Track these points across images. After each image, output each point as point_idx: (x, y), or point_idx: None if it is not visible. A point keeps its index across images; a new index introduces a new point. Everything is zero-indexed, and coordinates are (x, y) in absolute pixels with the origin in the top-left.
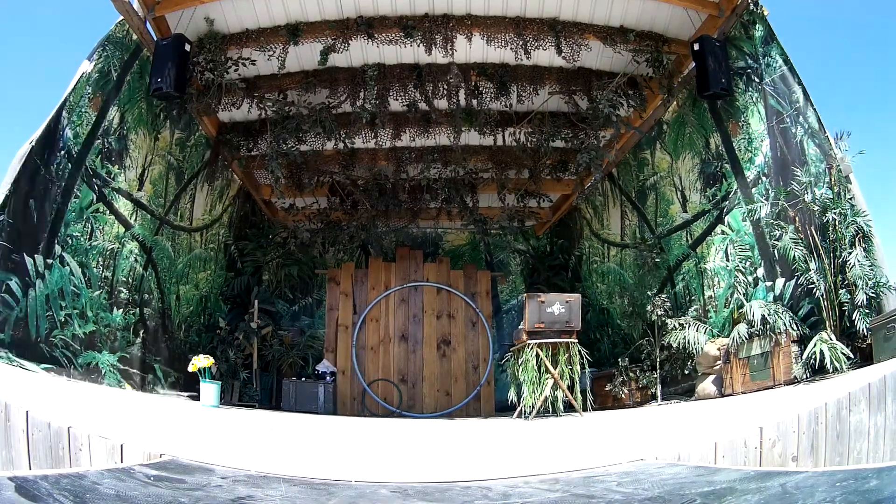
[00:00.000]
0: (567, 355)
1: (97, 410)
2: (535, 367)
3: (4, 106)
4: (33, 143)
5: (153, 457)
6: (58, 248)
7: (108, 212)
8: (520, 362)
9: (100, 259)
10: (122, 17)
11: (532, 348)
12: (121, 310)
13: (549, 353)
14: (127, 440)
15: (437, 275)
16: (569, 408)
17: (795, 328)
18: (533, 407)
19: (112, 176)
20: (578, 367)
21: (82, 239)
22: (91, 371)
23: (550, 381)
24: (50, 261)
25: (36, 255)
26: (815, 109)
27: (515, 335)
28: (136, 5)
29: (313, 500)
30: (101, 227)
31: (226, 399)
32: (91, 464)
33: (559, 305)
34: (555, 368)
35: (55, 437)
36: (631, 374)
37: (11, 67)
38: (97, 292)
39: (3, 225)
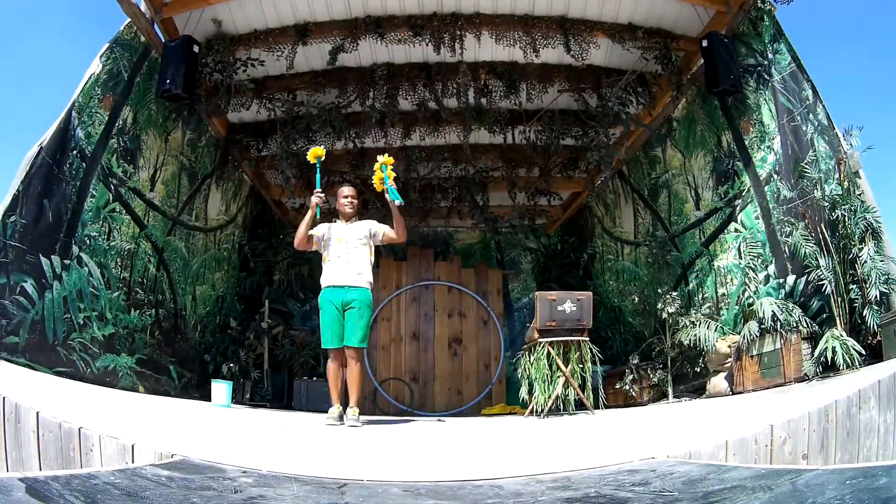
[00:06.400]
0: (578, 353)
1: (108, 411)
2: (547, 366)
3: (7, 108)
4: (43, 145)
5: (164, 457)
6: (75, 249)
7: (124, 211)
8: (531, 360)
9: (118, 259)
10: (129, 20)
11: (543, 346)
12: (137, 311)
13: (561, 352)
14: (138, 440)
15: (448, 273)
16: (580, 406)
17: (806, 325)
18: (544, 405)
19: (128, 175)
20: (590, 364)
21: (100, 239)
22: (108, 374)
23: (562, 380)
24: (67, 262)
25: (52, 256)
26: (824, 106)
27: (527, 334)
28: (143, 7)
29: (325, 499)
30: (118, 227)
31: (237, 398)
32: (102, 464)
33: (570, 303)
34: (566, 366)
35: (66, 438)
36: (642, 372)
37: (10, 69)
38: (116, 293)
39: (15, 225)
